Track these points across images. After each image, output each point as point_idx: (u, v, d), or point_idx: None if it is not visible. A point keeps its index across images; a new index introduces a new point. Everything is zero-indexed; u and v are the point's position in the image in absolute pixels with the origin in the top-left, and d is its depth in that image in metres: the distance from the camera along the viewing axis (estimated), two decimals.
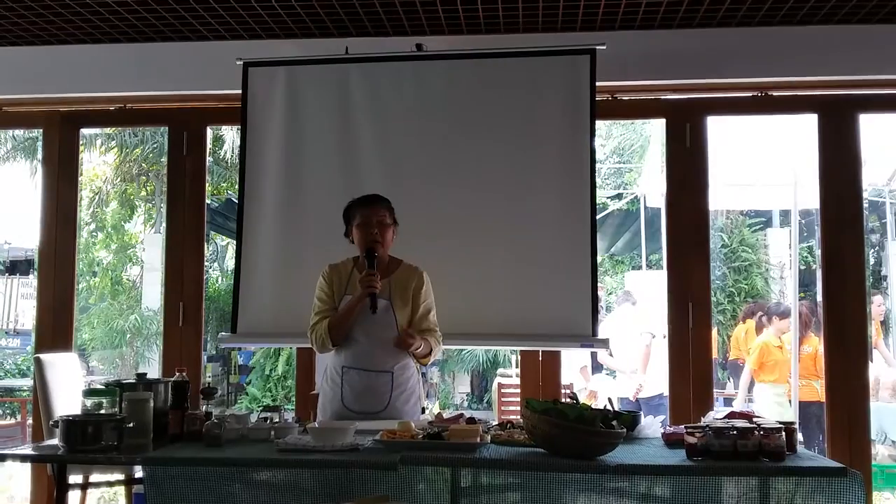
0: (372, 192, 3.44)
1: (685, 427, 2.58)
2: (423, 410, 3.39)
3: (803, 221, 10.01)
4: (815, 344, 6.64)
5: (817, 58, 4.31)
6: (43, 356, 3.90)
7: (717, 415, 2.86)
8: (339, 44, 4.36)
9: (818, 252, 5.79)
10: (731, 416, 2.75)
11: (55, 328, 4.70)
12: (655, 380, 6.52)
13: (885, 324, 8.81)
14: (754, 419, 2.60)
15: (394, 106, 4.27)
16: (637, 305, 7.39)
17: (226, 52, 4.39)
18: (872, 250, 10.83)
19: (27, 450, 2.82)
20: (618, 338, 6.75)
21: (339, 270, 3.38)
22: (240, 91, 4.34)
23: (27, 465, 4.52)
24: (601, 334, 4.09)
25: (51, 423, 3.17)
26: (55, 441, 2.68)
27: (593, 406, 2.75)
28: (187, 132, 4.72)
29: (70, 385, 3.88)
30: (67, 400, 3.71)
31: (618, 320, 7.34)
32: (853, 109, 4.40)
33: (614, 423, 2.57)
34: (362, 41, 4.40)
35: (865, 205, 5.46)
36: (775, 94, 4.46)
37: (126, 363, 10.89)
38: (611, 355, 7.05)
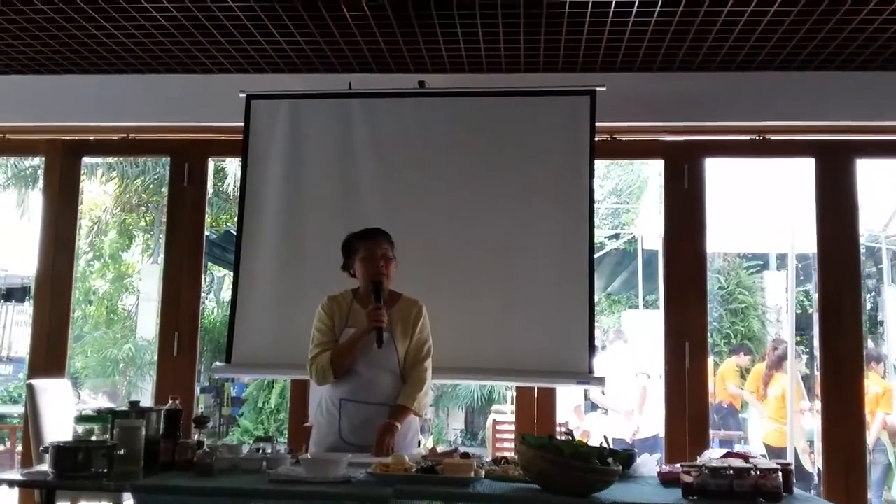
0: (372, 226, 3.45)
1: (681, 466, 2.56)
2: (419, 445, 3.37)
3: (800, 265, 10.04)
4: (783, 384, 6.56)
5: (815, 103, 4.36)
6: (35, 382, 3.88)
7: (713, 454, 2.84)
8: (342, 79, 4.41)
9: (815, 296, 5.79)
10: (728, 455, 2.73)
11: (49, 355, 4.69)
12: (650, 421, 6.49)
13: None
14: (751, 459, 2.59)
15: (395, 142, 4.30)
16: (629, 343, 7.38)
17: (229, 84, 4.44)
18: (869, 295, 10.85)
19: (16, 475, 2.79)
20: (611, 376, 6.73)
21: (339, 302, 3.37)
22: (242, 123, 4.38)
23: (14, 491, 4.46)
24: (596, 372, 4.08)
25: (41, 448, 3.13)
26: (44, 467, 2.65)
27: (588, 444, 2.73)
28: (189, 163, 4.75)
29: (62, 412, 3.85)
30: (58, 427, 3.68)
31: (610, 359, 7.32)
32: (850, 154, 4.45)
33: (610, 460, 2.55)
34: (365, 77, 4.45)
35: (862, 250, 5.48)
36: (773, 137, 4.50)
37: (118, 393, 10.82)
38: (603, 393, 7.02)
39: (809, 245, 5.17)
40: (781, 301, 10.73)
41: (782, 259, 10.41)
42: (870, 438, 6.18)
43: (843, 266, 4.39)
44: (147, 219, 12.80)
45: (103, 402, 9.85)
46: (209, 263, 10.70)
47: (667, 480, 2.68)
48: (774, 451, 6.44)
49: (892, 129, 4.43)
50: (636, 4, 3.64)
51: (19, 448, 5.91)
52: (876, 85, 4.32)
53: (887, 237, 9.62)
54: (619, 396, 6.89)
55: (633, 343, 7.40)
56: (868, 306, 10.70)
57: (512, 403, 6.86)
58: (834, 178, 4.45)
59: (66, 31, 4.09)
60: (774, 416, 6.56)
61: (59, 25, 4.01)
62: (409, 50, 4.21)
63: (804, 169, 4.70)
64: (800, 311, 10.68)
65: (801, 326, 10.14)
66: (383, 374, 3.25)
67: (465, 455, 2.84)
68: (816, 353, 4.77)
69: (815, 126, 4.43)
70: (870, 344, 9.54)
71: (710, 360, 7.51)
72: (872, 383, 6.36)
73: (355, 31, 3.98)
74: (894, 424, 6.46)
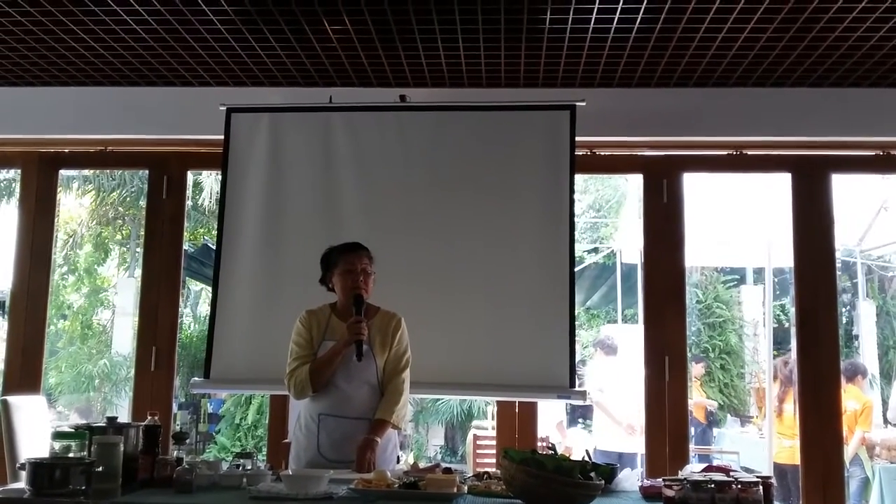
0: (352, 240, 3.44)
1: (663, 480, 2.57)
2: (398, 460, 3.35)
3: (777, 279, 10.14)
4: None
5: (791, 119, 4.41)
6: (10, 399, 3.81)
7: (694, 468, 2.85)
8: (322, 93, 4.40)
9: (791, 310, 5.82)
10: (709, 469, 2.74)
11: (23, 371, 4.62)
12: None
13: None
14: (732, 473, 2.60)
15: (376, 156, 4.29)
16: (619, 356, 7.34)
17: (209, 97, 4.42)
18: (844, 310, 10.96)
19: None
20: (607, 385, 6.57)
21: (318, 316, 3.36)
22: (222, 136, 4.36)
23: None
24: (584, 385, 4.08)
25: (17, 465, 3.08)
26: (21, 484, 2.61)
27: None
28: (167, 175, 4.71)
29: (37, 429, 3.79)
30: (34, 444, 3.61)
31: (605, 369, 7.21)
32: (826, 169, 4.50)
33: (592, 474, 2.55)
34: (346, 91, 4.45)
35: (838, 264, 5.53)
36: (750, 152, 4.55)
37: (93, 409, 10.67)
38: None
39: (786, 259, 5.21)
40: (758, 315, 10.82)
41: (759, 273, 10.51)
42: (848, 454, 6.18)
43: (819, 280, 4.43)
44: (123, 232, 12.68)
45: (78, 419, 9.72)
46: (186, 277, 10.62)
47: (648, 495, 2.69)
48: (789, 471, 6.24)
49: (866, 144, 4.50)
50: (615, 21, 3.67)
51: None
52: (851, 101, 4.39)
53: (862, 252, 9.74)
54: (619, 407, 6.76)
55: (623, 355, 7.34)
56: (844, 320, 10.82)
57: (492, 418, 6.83)
58: (810, 193, 4.50)
59: (43, 43, 4.05)
60: (788, 434, 6.37)
61: (37, 37, 3.98)
62: (391, 64, 4.22)
63: (781, 184, 4.75)
64: (776, 325, 10.78)
65: (778, 340, 10.23)
66: (362, 387, 3.24)
67: (448, 470, 2.83)
68: None
69: (791, 141, 4.49)
70: (857, 356, 9.62)
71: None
72: (852, 399, 6.37)
73: (336, 44, 3.99)
74: (872, 439, 6.49)
